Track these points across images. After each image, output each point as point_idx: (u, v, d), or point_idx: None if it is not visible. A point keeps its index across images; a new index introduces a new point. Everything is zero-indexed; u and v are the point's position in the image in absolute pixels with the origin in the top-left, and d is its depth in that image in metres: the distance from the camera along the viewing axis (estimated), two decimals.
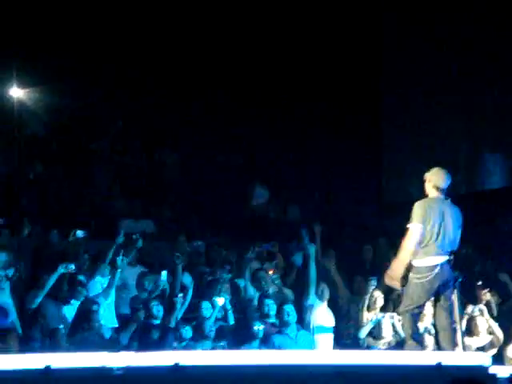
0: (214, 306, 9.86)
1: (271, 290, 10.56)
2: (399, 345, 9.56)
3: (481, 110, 14.24)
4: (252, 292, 10.50)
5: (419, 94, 14.96)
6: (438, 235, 7.86)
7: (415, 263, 7.81)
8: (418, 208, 7.86)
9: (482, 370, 6.08)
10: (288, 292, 10.78)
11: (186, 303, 9.80)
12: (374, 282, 10.37)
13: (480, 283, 10.31)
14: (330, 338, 10.40)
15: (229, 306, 10.04)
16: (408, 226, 7.81)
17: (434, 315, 8.05)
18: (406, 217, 8.04)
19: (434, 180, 7.95)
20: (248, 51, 14.35)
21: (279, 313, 9.99)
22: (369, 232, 13.28)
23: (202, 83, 14.33)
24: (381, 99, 15.24)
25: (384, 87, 15.37)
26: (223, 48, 14.35)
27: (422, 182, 8.08)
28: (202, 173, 14.18)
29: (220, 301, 9.89)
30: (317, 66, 14.64)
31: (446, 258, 7.88)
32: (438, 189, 7.94)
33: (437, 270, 7.81)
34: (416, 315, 7.95)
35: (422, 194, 8.08)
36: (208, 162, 14.30)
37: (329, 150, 14.76)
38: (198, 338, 9.41)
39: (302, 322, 10.34)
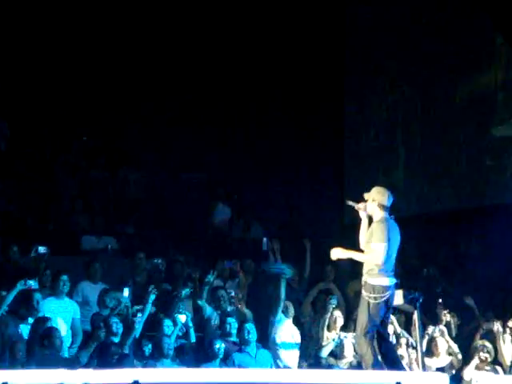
0: (175, 323, 9.82)
1: (229, 308, 10.54)
2: (361, 365, 9.58)
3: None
4: (210, 311, 10.46)
5: (383, 112, 15.09)
6: (392, 254, 7.92)
7: (372, 282, 7.84)
8: (379, 228, 7.90)
9: None
10: (246, 311, 10.76)
11: (143, 319, 9.74)
12: (334, 301, 10.39)
13: (440, 304, 10.37)
14: (295, 354, 10.39)
15: (190, 324, 10.00)
16: (372, 245, 7.86)
17: (377, 336, 8.06)
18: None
19: (379, 199, 7.96)
20: (210, 70, 14.36)
21: (240, 331, 9.98)
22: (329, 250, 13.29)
23: (166, 101, 14.32)
24: (343, 124, 15.35)
25: (346, 106, 15.48)
26: (185, 67, 14.34)
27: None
28: (166, 190, 14.15)
29: (182, 318, 9.86)
30: (281, 87, 14.69)
31: (395, 279, 7.95)
32: (383, 207, 7.97)
33: (392, 291, 7.87)
34: (372, 335, 7.95)
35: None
36: (171, 179, 14.27)
37: (291, 170, 14.80)
38: (159, 356, 9.36)
39: (268, 338, 10.34)
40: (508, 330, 10.20)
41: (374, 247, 7.82)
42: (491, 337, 10.37)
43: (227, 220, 13.68)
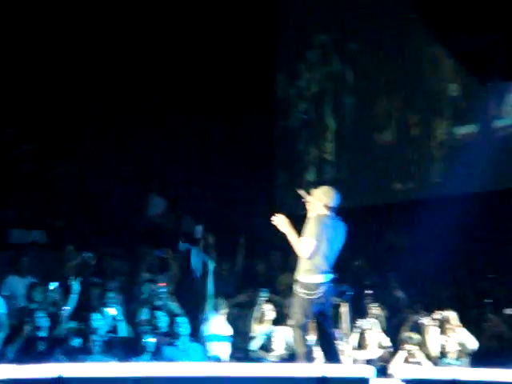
0: (104, 316, 9.74)
1: (160, 302, 10.48)
2: (291, 358, 9.63)
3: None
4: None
5: (312, 111, 15.20)
6: (326, 253, 7.97)
7: (303, 279, 7.89)
8: (312, 223, 7.95)
9: (365, 382, 6.17)
10: (177, 305, 10.73)
11: (69, 312, 9.65)
12: (264, 295, 10.40)
13: (369, 297, 10.46)
14: (226, 346, 10.37)
15: (119, 317, 9.93)
16: (302, 238, 7.90)
17: (317, 330, 8.13)
18: (298, 230, 8.12)
19: (325, 200, 8.04)
20: (137, 61, 14.21)
21: (171, 325, 9.95)
22: (262, 245, 13.35)
23: (97, 93, 14.16)
24: (274, 109, 15.39)
25: (277, 95, 15.52)
26: (112, 58, 14.19)
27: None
28: (97, 183, 14.00)
29: (111, 311, 9.78)
30: (212, 79, 14.63)
31: (331, 275, 7.99)
32: (328, 208, 8.04)
33: (324, 288, 7.91)
34: (305, 329, 8.01)
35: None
36: (103, 172, 14.13)
37: (223, 162, 14.76)
38: (87, 351, 9.28)
39: (197, 333, 10.31)
40: (435, 323, 10.32)
41: (303, 240, 7.87)
42: (419, 329, 10.50)
43: (161, 212, 13.61)
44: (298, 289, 7.90)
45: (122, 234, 13.11)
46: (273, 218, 8.11)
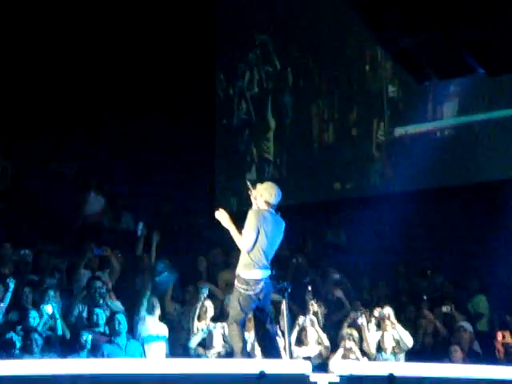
0: (42, 314, 9.64)
1: (99, 299, 10.42)
2: (229, 355, 9.64)
3: None
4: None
5: (253, 111, 15.24)
6: (266, 248, 8.00)
7: (243, 275, 7.93)
8: (252, 216, 7.99)
9: (304, 378, 6.21)
10: (116, 303, 10.66)
11: (2, 311, 9.53)
12: (205, 291, 10.39)
13: (309, 293, 10.52)
14: (162, 346, 10.33)
15: (57, 315, 9.83)
16: (243, 231, 7.94)
17: (256, 326, 8.17)
18: (240, 226, 8.15)
19: (266, 196, 8.08)
20: (77, 55, 14.06)
21: (110, 322, 9.88)
22: (203, 242, 13.35)
23: (35, 89, 13.97)
24: (215, 109, 15.40)
25: (218, 94, 15.52)
26: (54, 53, 14.02)
27: (248, 194, 8.19)
28: (33, 180, 13.84)
29: (48, 309, 9.68)
30: (152, 77, 14.56)
31: (269, 271, 8.04)
32: (269, 204, 8.08)
33: (263, 283, 7.95)
34: (242, 325, 8.04)
35: (249, 207, 8.19)
36: (40, 169, 13.98)
37: (163, 161, 14.71)
38: (25, 349, 9.18)
39: (135, 331, 10.26)
40: (373, 320, 10.43)
41: (244, 233, 7.93)
42: (357, 326, 10.59)
43: (100, 210, 13.49)
44: (237, 284, 7.94)
45: (59, 231, 12.98)
46: (216, 213, 8.13)
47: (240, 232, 8.02)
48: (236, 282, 7.96)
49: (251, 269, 7.93)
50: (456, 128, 13.27)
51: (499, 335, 10.58)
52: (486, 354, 10.63)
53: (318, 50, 14.54)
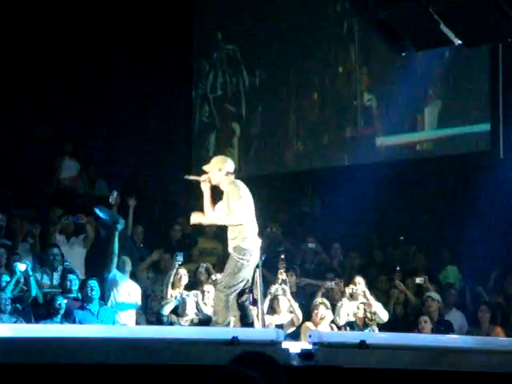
0: (14, 271, 9.61)
1: (58, 265, 10.42)
2: (202, 323, 9.66)
3: None
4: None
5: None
6: (253, 215, 8.03)
7: (244, 245, 7.92)
8: (232, 188, 7.97)
9: (275, 344, 6.25)
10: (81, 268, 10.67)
11: None
12: (180, 258, 10.39)
13: (282, 261, 10.54)
14: (132, 314, 10.35)
15: (30, 272, 9.77)
16: (231, 206, 7.90)
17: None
18: (214, 195, 8.15)
19: (224, 167, 8.06)
20: (53, 17, 13.88)
21: (82, 288, 9.88)
22: (177, 210, 13.33)
23: (9, 52, 13.77)
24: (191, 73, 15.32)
25: (195, 56, 15.43)
26: (31, 16, 13.84)
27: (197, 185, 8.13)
28: (8, 144, 13.74)
29: (21, 267, 9.63)
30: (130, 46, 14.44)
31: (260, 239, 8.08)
32: (231, 173, 8.08)
33: (258, 250, 7.98)
34: (233, 293, 8.01)
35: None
36: (15, 132, 13.86)
37: (139, 125, 14.66)
38: None
39: (103, 295, 10.26)
40: (346, 291, 10.47)
41: (233, 207, 7.89)
42: (330, 295, 10.66)
43: (74, 176, 13.43)
44: (236, 254, 7.91)
45: (33, 195, 12.92)
46: (191, 221, 8.11)
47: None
48: (233, 252, 7.93)
49: (249, 238, 7.94)
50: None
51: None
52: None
53: (287, 54, 14.39)
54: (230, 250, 8.01)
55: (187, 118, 15.11)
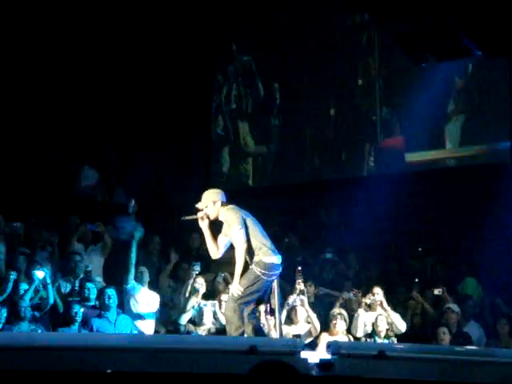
0: (33, 279, 9.63)
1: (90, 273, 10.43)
2: (219, 332, 9.65)
3: None
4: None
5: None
6: (263, 232, 8.01)
7: (266, 260, 7.89)
8: (230, 214, 7.94)
9: (294, 354, 6.23)
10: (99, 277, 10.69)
11: None
12: (197, 268, 10.38)
13: (299, 272, 10.52)
14: (150, 323, 10.36)
15: (49, 280, 9.78)
16: (231, 233, 7.89)
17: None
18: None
19: (220, 198, 8.02)
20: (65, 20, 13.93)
21: (100, 296, 9.89)
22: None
23: (32, 58, 13.83)
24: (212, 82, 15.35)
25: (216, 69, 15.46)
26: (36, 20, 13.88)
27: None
28: (27, 152, 13.80)
29: (39, 274, 9.64)
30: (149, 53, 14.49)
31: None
32: (225, 203, 8.04)
33: (280, 269, 7.99)
34: (248, 306, 7.97)
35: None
36: (35, 140, 13.92)
37: (158, 134, 14.69)
38: (15, 319, 9.17)
39: (122, 306, 10.27)
40: (362, 300, 10.45)
41: (233, 233, 7.88)
42: (349, 306, 10.63)
43: (93, 184, 13.48)
44: (257, 268, 7.86)
45: (52, 204, 12.96)
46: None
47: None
48: (255, 266, 7.88)
49: (270, 254, 7.92)
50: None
51: None
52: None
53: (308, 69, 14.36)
54: (252, 263, 7.96)
55: (207, 127, 15.15)
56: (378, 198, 12.31)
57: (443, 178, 13.20)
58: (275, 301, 8.60)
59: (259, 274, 7.87)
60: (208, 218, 8.00)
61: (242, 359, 6.11)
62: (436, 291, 11.07)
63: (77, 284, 10.22)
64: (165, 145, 14.74)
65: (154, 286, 10.78)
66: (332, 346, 6.55)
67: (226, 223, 8.00)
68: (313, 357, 6.45)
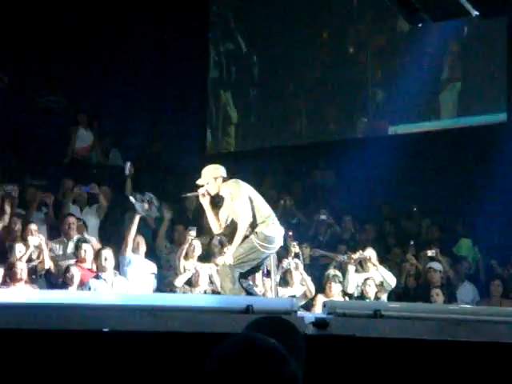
0: (28, 246, 9.64)
1: (86, 234, 10.42)
2: (215, 294, 9.68)
3: None
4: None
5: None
6: (265, 203, 7.99)
7: (267, 232, 7.86)
8: (233, 187, 7.91)
9: (290, 313, 6.25)
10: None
11: None
12: (193, 233, 10.38)
13: (290, 235, 10.53)
14: (147, 285, 10.36)
15: (44, 246, 9.79)
16: (235, 208, 7.85)
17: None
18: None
19: (221, 174, 8.01)
20: None
21: (96, 257, 9.90)
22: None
23: (21, 20, 13.70)
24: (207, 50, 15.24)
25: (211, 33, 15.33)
26: None
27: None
28: (22, 114, 13.74)
29: (34, 240, 9.64)
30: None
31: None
32: (226, 178, 8.03)
33: (280, 240, 7.98)
34: (242, 275, 7.98)
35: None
36: (28, 103, 13.85)
37: (154, 97, 14.62)
38: (11, 281, 9.18)
39: (122, 267, 10.26)
40: (354, 261, 10.48)
41: (236, 205, 7.85)
42: (344, 268, 10.67)
43: (88, 146, 13.41)
44: (256, 239, 7.83)
45: (47, 165, 12.93)
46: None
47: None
48: (253, 237, 7.84)
49: (271, 226, 7.89)
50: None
51: None
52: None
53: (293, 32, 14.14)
54: (251, 233, 7.91)
55: (202, 90, 15.07)
56: (372, 159, 12.28)
57: (438, 138, 13.18)
58: (271, 262, 8.63)
59: (256, 245, 7.84)
60: (209, 194, 7.97)
61: (238, 318, 6.14)
62: (430, 252, 11.10)
63: (71, 245, 10.21)
64: (160, 105, 14.68)
65: (150, 248, 10.75)
66: (327, 306, 6.57)
67: (228, 197, 7.95)
68: (308, 316, 6.49)
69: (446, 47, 12.79)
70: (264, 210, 7.97)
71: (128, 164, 11.44)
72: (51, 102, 13.91)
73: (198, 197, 8.10)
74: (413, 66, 12.76)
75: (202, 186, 8.03)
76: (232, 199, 7.89)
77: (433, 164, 13.09)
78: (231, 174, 8.20)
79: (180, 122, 14.56)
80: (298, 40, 14.17)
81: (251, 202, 7.91)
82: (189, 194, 8.16)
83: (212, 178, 7.98)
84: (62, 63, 13.87)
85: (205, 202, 8.03)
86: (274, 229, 7.93)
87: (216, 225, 8.09)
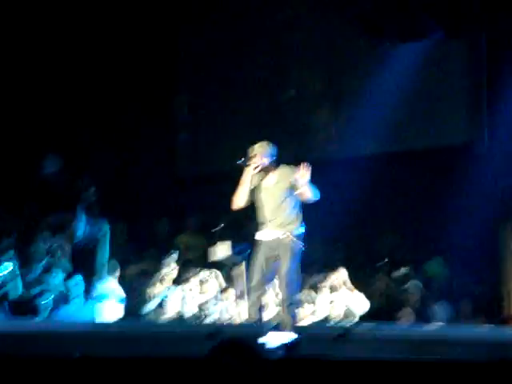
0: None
1: (55, 260, 10.36)
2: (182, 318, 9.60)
3: None
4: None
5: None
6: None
7: (299, 232, 7.77)
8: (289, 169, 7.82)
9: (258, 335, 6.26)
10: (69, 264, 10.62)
11: None
12: (175, 256, 10.33)
13: None
14: (117, 306, 10.27)
15: (18, 272, 9.72)
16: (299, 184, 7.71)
17: None
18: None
19: (270, 151, 7.86)
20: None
21: (66, 282, 9.83)
22: (163, 206, 13.28)
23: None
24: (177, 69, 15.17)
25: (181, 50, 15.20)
26: None
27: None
28: None
29: (7, 266, 9.57)
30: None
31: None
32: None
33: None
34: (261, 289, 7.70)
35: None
36: None
37: (122, 122, 14.57)
38: None
39: (91, 293, 10.18)
40: (326, 282, 10.48)
41: (308, 186, 7.71)
42: (315, 289, 10.67)
43: (56, 171, 13.31)
44: (294, 243, 7.67)
45: (15, 190, 12.83)
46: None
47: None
48: (290, 242, 7.63)
49: (301, 225, 7.78)
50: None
51: None
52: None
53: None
54: (287, 236, 7.68)
55: (171, 112, 15.03)
56: (339, 181, 12.27)
57: (406, 159, 13.19)
58: (243, 283, 8.59)
59: (302, 247, 7.69)
60: (258, 168, 7.75)
61: (206, 343, 6.13)
62: (403, 270, 11.14)
63: (39, 271, 10.14)
64: (128, 131, 14.61)
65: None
66: (299, 327, 6.59)
67: (282, 174, 7.79)
68: (277, 338, 6.49)
69: (409, 68, 12.80)
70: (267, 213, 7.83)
71: (92, 189, 11.38)
72: (20, 127, 13.83)
73: (249, 165, 7.78)
74: (374, 86, 12.77)
75: (257, 156, 7.79)
76: (290, 176, 7.72)
77: (401, 184, 13.10)
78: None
79: (148, 147, 14.45)
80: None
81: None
82: (243, 160, 7.84)
83: (270, 155, 7.81)
84: (33, 87, 13.79)
85: (251, 173, 7.79)
86: (302, 228, 7.81)
87: (244, 198, 7.86)
